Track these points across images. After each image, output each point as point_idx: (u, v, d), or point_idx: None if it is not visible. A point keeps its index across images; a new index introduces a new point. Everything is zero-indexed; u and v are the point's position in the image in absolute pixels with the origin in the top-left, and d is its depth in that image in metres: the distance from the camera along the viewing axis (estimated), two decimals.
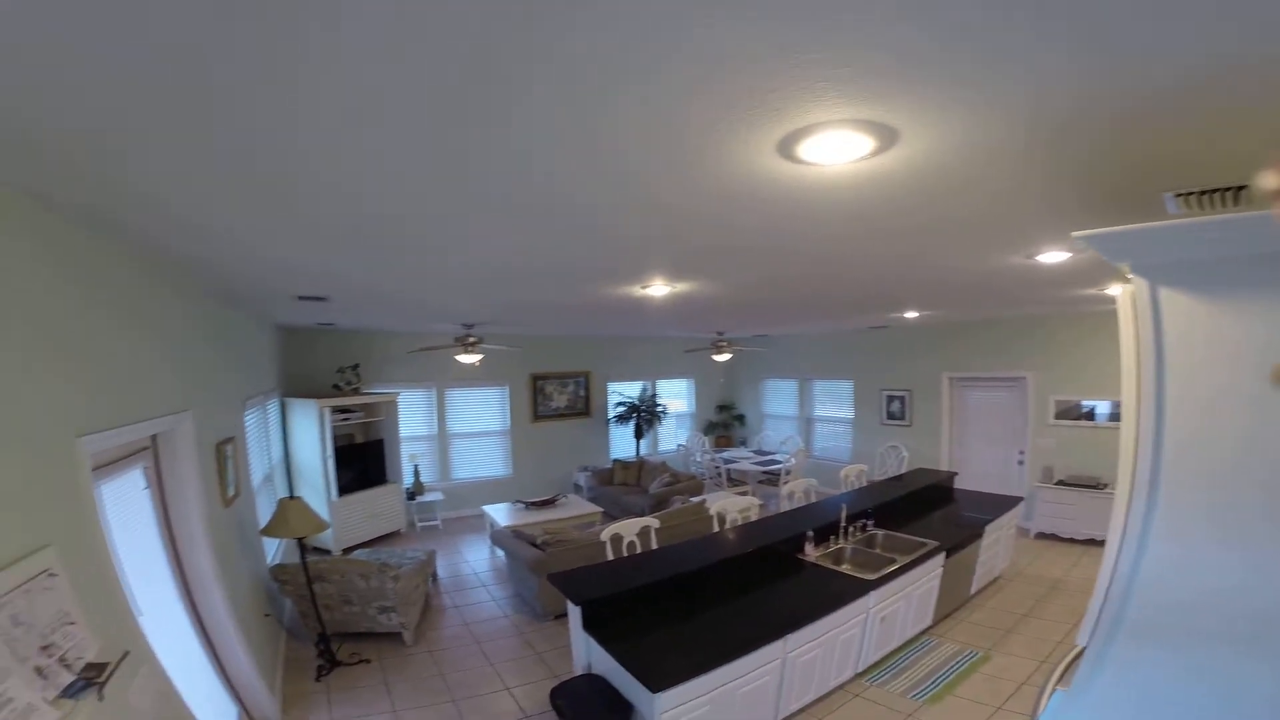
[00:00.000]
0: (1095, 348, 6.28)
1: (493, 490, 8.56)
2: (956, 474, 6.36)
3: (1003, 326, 7.17)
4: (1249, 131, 1.28)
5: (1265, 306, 1.27)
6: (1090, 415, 6.47)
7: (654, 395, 9.95)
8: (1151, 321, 1.44)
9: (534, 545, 5.16)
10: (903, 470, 7.26)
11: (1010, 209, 1.97)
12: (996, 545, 5.17)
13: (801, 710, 3.54)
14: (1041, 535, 6.62)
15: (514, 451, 8.94)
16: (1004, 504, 5.43)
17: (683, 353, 9.75)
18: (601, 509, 7.39)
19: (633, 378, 10.10)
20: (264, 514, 4.57)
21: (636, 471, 8.54)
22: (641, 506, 7.20)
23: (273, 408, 6.03)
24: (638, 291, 3.65)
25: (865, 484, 6.33)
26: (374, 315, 5.46)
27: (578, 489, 8.97)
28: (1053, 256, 2.81)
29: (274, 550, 5.09)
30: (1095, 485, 6.20)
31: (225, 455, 3.47)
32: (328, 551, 6.20)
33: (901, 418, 8.36)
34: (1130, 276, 1.50)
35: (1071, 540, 6.40)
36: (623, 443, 9.81)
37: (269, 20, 0.81)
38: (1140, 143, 1.37)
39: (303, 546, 4.16)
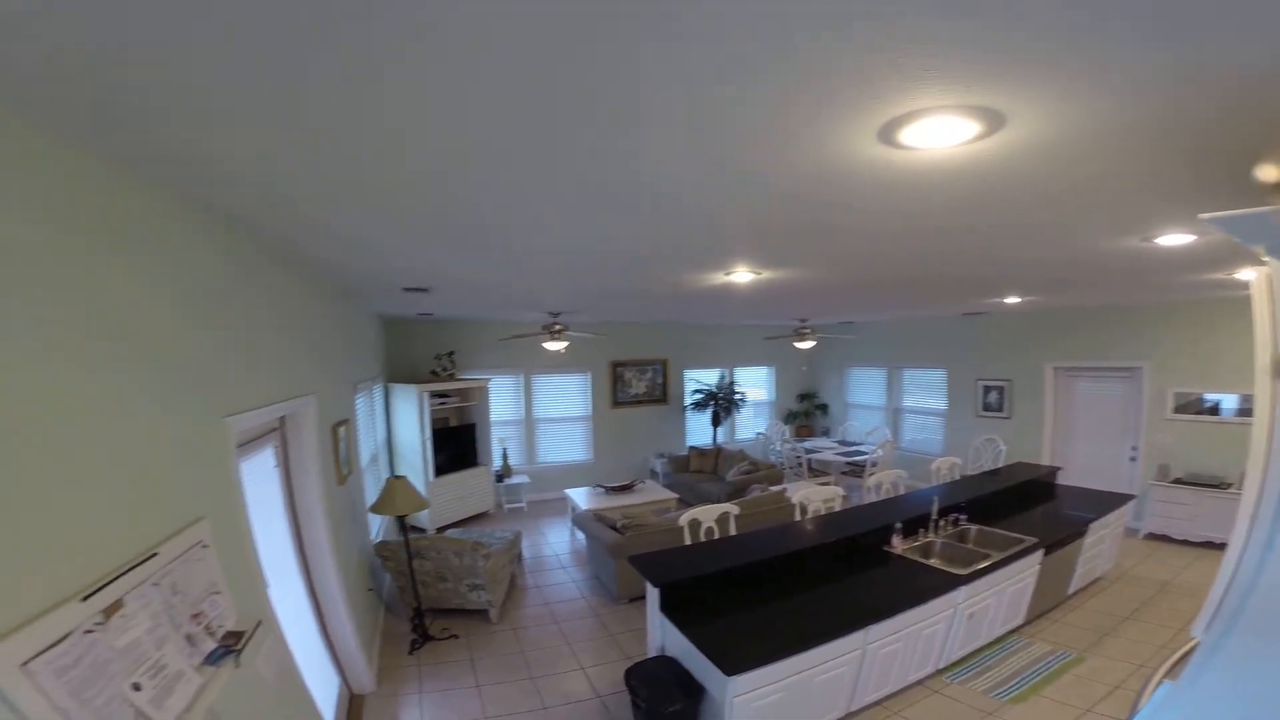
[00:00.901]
0: (1223, 338, 5.72)
1: (574, 474, 8.85)
2: (1060, 469, 5.99)
3: (1115, 314, 6.63)
4: None
5: None
6: (1214, 410, 5.90)
7: (732, 383, 9.89)
8: None
9: (613, 529, 5.32)
10: (999, 465, 6.91)
11: (1124, 190, 1.86)
12: (1101, 544, 4.86)
13: (876, 703, 3.50)
14: (1152, 536, 6.12)
15: (594, 437, 9.18)
16: (1111, 502, 5.08)
17: (762, 340, 9.64)
18: (677, 495, 7.51)
19: (710, 365, 10.08)
20: (369, 494, 4.94)
21: (713, 459, 8.58)
22: (717, 494, 7.24)
23: (377, 392, 6.50)
24: (720, 279, 3.67)
25: (958, 477, 6.10)
26: (469, 305, 5.75)
27: (654, 475, 9.13)
28: (1174, 239, 2.60)
29: (375, 528, 5.48)
30: (1217, 485, 5.66)
31: (339, 436, 3.79)
32: (423, 530, 6.54)
33: (999, 409, 7.92)
34: (1266, 260, 1.40)
35: (1185, 542, 5.89)
36: (699, 430, 9.86)
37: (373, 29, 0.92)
38: (1266, 120, 1.27)
39: (404, 525, 4.45)
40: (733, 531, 4.59)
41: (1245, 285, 4.03)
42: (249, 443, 2.58)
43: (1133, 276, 3.94)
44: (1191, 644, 1.57)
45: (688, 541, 4.37)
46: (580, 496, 7.27)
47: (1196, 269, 3.62)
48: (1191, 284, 4.47)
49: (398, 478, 4.39)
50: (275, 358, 2.61)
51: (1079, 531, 4.56)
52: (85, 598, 1.18)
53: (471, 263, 3.04)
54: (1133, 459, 6.56)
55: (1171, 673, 1.63)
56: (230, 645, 1.66)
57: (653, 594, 3.44)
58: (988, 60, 0.99)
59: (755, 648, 2.90)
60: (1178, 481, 5.95)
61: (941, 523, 4.47)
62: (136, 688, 1.27)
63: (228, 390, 2.04)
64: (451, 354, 7.59)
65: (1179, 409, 6.12)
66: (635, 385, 9.42)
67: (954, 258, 3.13)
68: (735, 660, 2.79)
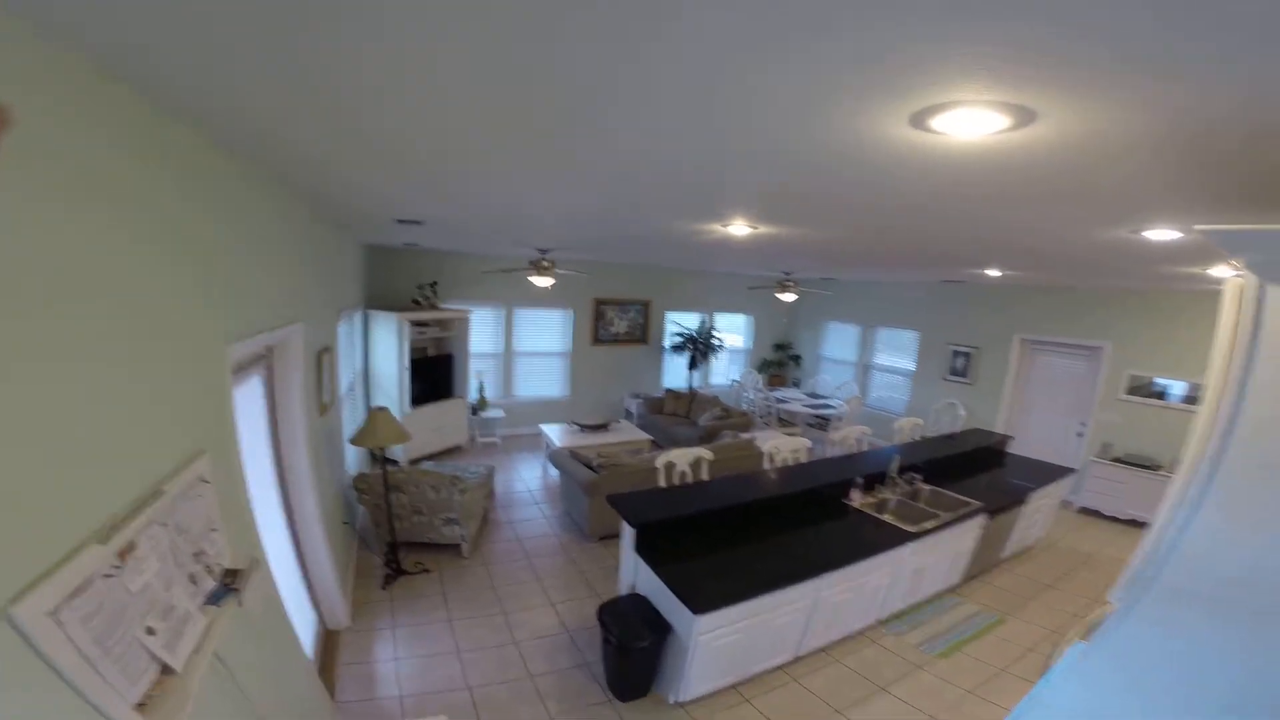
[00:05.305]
0: (1181, 326, 5.94)
1: (549, 410, 8.93)
2: (1012, 438, 6.32)
3: (1086, 293, 6.86)
4: None
5: None
6: (1161, 395, 6.23)
7: (711, 328, 9.97)
8: (1253, 315, 1.48)
9: (588, 467, 5.40)
10: (958, 429, 7.25)
11: (1137, 193, 1.92)
12: (1037, 514, 5.21)
13: (821, 650, 3.74)
14: (1085, 510, 6.59)
15: (573, 374, 9.21)
16: (1053, 474, 5.41)
17: (745, 289, 9.69)
18: (651, 437, 7.66)
19: (692, 308, 10.12)
20: (347, 425, 4.79)
21: (688, 403, 8.76)
22: (690, 438, 7.43)
23: (357, 319, 6.32)
24: (718, 229, 3.67)
25: (918, 438, 6.38)
26: (458, 239, 5.61)
27: (628, 415, 9.29)
28: (1163, 234, 2.69)
29: (349, 460, 5.25)
30: (1150, 466, 6.06)
31: (323, 365, 3.66)
32: (396, 462, 6.28)
33: (964, 375, 8.22)
34: (1242, 271, 1.50)
35: (1113, 519, 6.35)
36: (675, 373, 10.01)
37: None
38: None
39: (384, 457, 4.34)
40: (705, 476, 4.76)
41: (1212, 280, 4.20)
42: (238, 372, 2.42)
43: (1113, 263, 4.07)
44: (1103, 610, 1.76)
45: (662, 483, 4.49)
46: (555, 433, 7.35)
47: (1175, 262, 3.76)
48: (1165, 274, 4.64)
49: (380, 409, 4.28)
50: (267, 283, 2.50)
51: (1019, 499, 4.85)
52: (103, 540, 1.13)
53: (477, 210, 2.98)
54: (1080, 434, 6.94)
55: (1085, 635, 1.83)
56: (229, 584, 1.62)
57: (628, 533, 3.55)
58: (1033, 62, 1.01)
59: (721, 589, 3.05)
60: (1117, 460, 6.34)
61: (899, 481, 4.70)
62: (150, 631, 1.24)
63: (222, 319, 1.91)
64: (434, 284, 7.45)
65: (1131, 390, 6.45)
66: (617, 324, 9.43)
67: (954, 233, 3.20)
68: (703, 600, 2.93)
